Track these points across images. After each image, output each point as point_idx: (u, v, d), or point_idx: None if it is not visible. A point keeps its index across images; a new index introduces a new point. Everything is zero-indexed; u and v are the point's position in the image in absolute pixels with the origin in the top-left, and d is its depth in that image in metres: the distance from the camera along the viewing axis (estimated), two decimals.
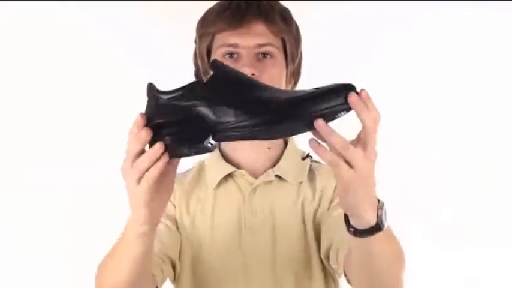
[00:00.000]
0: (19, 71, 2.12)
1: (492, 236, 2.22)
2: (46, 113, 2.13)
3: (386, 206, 0.79)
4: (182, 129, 0.74)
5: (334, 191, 1.10)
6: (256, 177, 1.11)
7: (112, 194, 2.05)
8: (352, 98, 0.69)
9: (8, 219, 2.10)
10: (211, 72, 0.76)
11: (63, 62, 2.13)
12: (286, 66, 1.11)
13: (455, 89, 2.24)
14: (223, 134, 0.72)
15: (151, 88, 0.78)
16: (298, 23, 1.14)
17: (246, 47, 1.05)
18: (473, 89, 2.25)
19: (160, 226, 1.07)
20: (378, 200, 0.78)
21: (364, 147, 0.71)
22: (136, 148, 0.74)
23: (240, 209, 1.10)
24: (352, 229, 0.79)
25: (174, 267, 1.07)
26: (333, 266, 1.02)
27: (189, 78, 1.19)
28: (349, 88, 0.70)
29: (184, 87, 0.75)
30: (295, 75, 1.16)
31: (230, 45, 1.06)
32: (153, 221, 0.79)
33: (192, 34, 1.16)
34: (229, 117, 0.71)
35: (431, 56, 2.23)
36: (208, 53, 1.11)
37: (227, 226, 1.09)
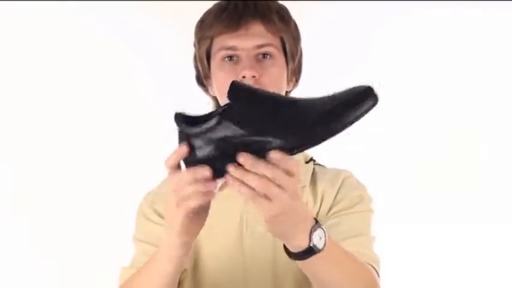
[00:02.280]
0: (20, 72, 2.13)
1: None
2: (46, 113, 2.14)
3: (323, 227, 0.79)
4: (217, 163, 0.73)
5: (335, 198, 1.09)
6: None
7: (112, 194, 2.10)
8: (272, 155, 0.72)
9: (9, 219, 2.12)
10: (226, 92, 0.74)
11: (65, 62, 2.15)
12: (287, 65, 1.10)
13: (454, 87, 2.26)
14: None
15: (177, 120, 0.76)
16: (297, 21, 1.14)
17: (245, 49, 1.04)
18: (472, 86, 2.26)
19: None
20: (316, 221, 0.79)
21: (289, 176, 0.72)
22: (174, 160, 0.75)
23: (242, 213, 1.09)
24: (287, 251, 0.81)
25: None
26: None
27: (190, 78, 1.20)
28: (369, 92, 0.70)
29: (210, 116, 0.75)
30: (296, 73, 1.15)
31: (229, 48, 1.05)
32: (187, 244, 0.83)
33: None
34: (258, 145, 0.72)
35: (429, 56, 2.25)
36: (208, 56, 1.11)
37: (229, 230, 1.08)
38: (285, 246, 0.81)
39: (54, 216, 2.11)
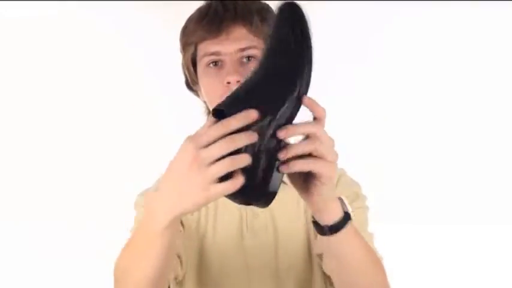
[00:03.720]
0: (20, 71, 2.16)
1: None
2: (46, 113, 2.17)
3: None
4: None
5: None
6: None
7: (111, 194, 2.12)
8: (305, 100, 0.75)
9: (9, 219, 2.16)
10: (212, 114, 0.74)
11: (65, 62, 2.17)
12: None
13: (453, 86, 2.23)
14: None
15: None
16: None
17: (228, 54, 1.03)
18: (471, 87, 2.22)
19: None
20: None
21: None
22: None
23: (241, 212, 1.10)
24: (326, 227, 0.81)
25: (181, 263, 1.06)
26: (327, 272, 1.02)
27: None
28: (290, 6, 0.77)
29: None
30: None
31: (212, 54, 1.05)
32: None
33: None
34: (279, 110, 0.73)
35: (429, 56, 2.23)
36: (194, 62, 1.10)
37: (229, 229, 1.09)
38: (316, 225, 0.82)
39: (54, 216, 2.15)
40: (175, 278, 1.07)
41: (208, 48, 1.05)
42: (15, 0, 2.09)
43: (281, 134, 0.72)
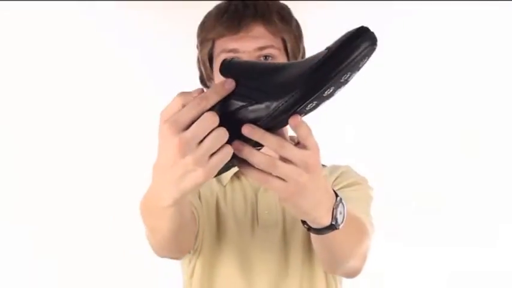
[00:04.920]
0: (19, 71, 2.14)
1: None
2: (46, 113, 2.16)
3: (344, 202, 0.76)
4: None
5: (334, 181, 1.11)
6: None
7: (111, 194, 2.11)
8: (292, 121, 0.66)
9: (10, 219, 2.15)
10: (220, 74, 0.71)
11: (64, 62, 2.16)
12: None
13: (451, 85, 2.26)
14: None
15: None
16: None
17: (246, 52, 1.04)
18: (471, 87, 2.26)
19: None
20: (337, 194, 0.76)
21: (303, 149, 0.67)
22: (213, 99, 0.65)
23: (252, 206, 1.10)
24: (306, 226, 0.78)
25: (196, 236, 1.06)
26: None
27: (192, 78, 1.20)
28: (363, 31, 0.65)
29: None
30: None
31: (230, 51, 1.05)
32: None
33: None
34: (267, 103, 0.67)
35: (428, 56, 2.26)
36: (210, 58, 1.11)
37: (239, 222, 1.09)
38: (302, 220, 0.78)
39: (54, 216, 2.14)
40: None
41: (226, 44, 1.05)
42: (14, 0, 2.07)
43: (245, 130, 0.66)
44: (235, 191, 1.12)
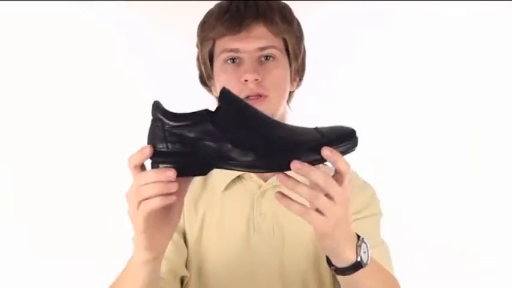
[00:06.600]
0: (20, 71, 2.13)
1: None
2: (46, 113, 2.15)
3: (366, 241, 0.79)
4: (186, 160, 0.73)
5: None
6: (265, 181, 1.09)
7: (111, 194, 2.10)
8: (326, 151, 0.70)
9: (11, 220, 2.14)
10: (219, 102, 0.75)
11: (64, 62, 2.15)
12: (290, 66, 1.09)
13: (453, 88, 2.25)
14: (226, 166, 0.74)
15: (156, 108, 0.75)
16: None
17: (247, 52, 1.03)
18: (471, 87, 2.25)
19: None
20: (358, 237, 0.79)
21: (339, 184, 0.71)
22: (138, 160, 0.72)
23: (249, 212, 1.07)
24: (333, 267, 0.80)
25: (182, 281, 1.07)
26: None
27: (192, 78, 1.20)
28: (354, 134, 0.73)
29: (192, 115, 0.74)
30: (299, 72, 1.14)
31: (231, 51, 1.04)
32: (155, 248, 0.78)
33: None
34: (233, 154, 0.72)
35: (428, 56, 2.25)
36: (211, 57, 1.10)
37: (236, 229, 1.07)
38: (327, 260, 0.81)
39: (54, 216, 2.14)
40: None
41: (227, 44, 1.04)
42: (14, 0, 2.05)
43: (294, 166, 0.69)
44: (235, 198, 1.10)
